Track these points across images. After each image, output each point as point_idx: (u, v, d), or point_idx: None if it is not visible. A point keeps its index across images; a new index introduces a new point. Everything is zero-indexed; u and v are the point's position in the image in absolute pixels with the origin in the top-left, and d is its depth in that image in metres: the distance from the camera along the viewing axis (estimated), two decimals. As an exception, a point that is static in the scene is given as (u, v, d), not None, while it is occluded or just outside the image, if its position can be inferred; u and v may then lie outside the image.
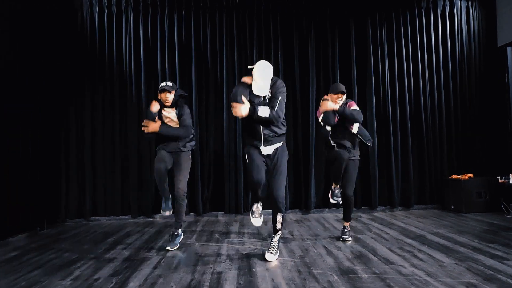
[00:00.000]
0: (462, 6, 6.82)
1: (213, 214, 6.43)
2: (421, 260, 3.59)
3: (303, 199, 6.52)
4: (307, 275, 3.22)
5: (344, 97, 4.28)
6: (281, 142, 3.78)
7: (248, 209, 6.41)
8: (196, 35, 6.48)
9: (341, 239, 4.46)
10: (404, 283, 2.99)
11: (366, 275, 3.18)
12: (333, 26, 6.65)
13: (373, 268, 3.36)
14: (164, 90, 4.18)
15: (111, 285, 3.08)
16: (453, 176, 6.45)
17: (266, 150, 3.73)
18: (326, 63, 6.65)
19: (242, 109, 3.50)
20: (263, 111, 3.50)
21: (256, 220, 3.99)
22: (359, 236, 4.68)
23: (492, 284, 2.92)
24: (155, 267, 3.54)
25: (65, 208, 6.14)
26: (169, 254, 4.02)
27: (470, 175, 6.35)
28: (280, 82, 3.69)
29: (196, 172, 6.22)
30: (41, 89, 5.72)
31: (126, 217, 6.30)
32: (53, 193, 6.05)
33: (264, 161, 3.73)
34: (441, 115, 6.74)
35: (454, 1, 6.81)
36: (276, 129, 3.68)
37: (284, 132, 3.79)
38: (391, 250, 3.96)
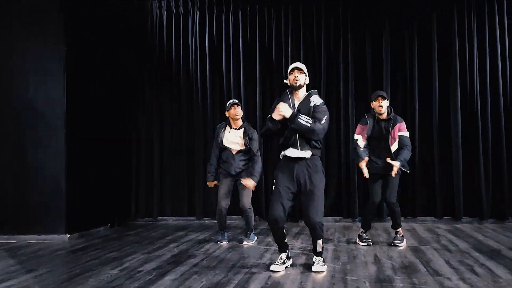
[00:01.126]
0: None
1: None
2: (476, 274, 3.53)
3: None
4: (338, 281, 3.42)
5: (385, 102, 4.62)
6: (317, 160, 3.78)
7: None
8: (261, 32, 6.91)
9: (392, 244, 4.58)
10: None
11: (401, 285, 3.26)
12: (411, 19, 6.57)
13: (413, 279, 3.41)
14: (235, 103, 4.96)
15: (150, 277, 3.63)
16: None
17: (303, 153, 3.70)
18: (402, 60, 6.60)
19: (285, 108, 3.63)
20: (304, 119, 3.60)
21: (275, 266, 3.78)
22: (421, 246, 4.66)
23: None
24: (195, 265, 4.03)
25: (135, 208, 7.04)
26: (215, 253, 4.50)
27: None
28: (323, 105, 3.79)
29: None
30: (115, 94, 6.68)
31: (192, 218, 6.99)
32: (125, 193, 6.98)
33: (291, 188, 3.71)
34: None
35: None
36: (312, 143, 3.72)
37: (319, 152, 3.79)
38: (448, 263, 3.92)
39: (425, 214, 6.46)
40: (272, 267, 3.75)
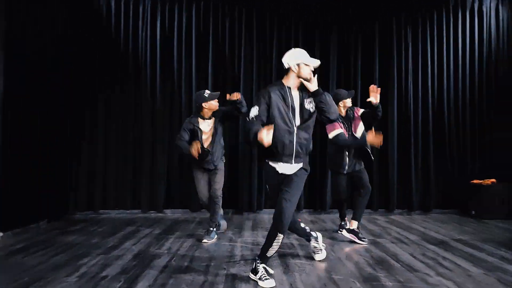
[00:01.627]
0: (492, 4, 6.51)
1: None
2: (447, 268, 3.36)
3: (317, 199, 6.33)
4: (327, 281, 3.02)
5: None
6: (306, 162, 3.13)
7: (260, 207, 6.24)
8: (215, 27, 6.29)
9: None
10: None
11: (390, 283, 2.96)
12: (357, 27, 6.42)
13: (396, 276, 3.13)
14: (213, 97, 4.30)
15: (119, 284, 2.91)
16: (475, 181, 6.17)
17: (291, 168, 3.05)
18: (347, 61, 6.42)
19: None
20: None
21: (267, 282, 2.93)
22: (377, 239, 4.46)
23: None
24: (165, 266, 3.37)
25: (74, 200, 6.02)
26: (180, 251, 3.86)
27: (493, 180, 6.07)
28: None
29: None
30: (54, 82, 5.57)
31: (136, 211, 6.16)
32: (63, 185, 5.91)
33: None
34: (464, 118, 6.47)
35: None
36: (308, 140, 3.08)
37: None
38: (414, 256, 3.73)
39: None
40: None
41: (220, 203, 4.43)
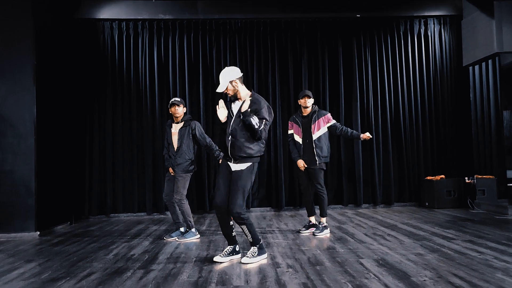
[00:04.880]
0: (435, 29, 7.83)
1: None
2: (388, 240, 4.54)
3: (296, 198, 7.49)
4: (297, 250, 4.16)
5: (310, 100, 5.11)
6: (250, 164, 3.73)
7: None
8: (203, 55, 7.47)
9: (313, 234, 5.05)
10: (370, 253, 3.93)
11: (342, 250, 4.11)
12: (323, 45, 7.65)
13: (348, 246, 4.29)
14: (173, 104, 4.88)
15: (146, 257, 4.01)
16: (428, 177, 7.41)
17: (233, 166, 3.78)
18: (317, 78, 7.64)
19: (221, 113, 3.81)
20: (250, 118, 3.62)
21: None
22: (342, 226, 5.62)
23: (434, 253, 3.86)
24: (176, 247, 4.47)
25: (89, 206, 7.08)
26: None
27: (442, 176, 7.31)
28: (264, 103, 3.77)
29: (204, 176, 7.17)
30: (70, 101, 6.71)
31: (142, 213, 7.23)
32: (80, 192, 6.99)
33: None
34: (417, 124, 7.72)
35: (429, 25, 7.82)
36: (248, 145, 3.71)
37: (255, 153, 3.74)
38: (366, 235, 4.90)
39: (335, 203, 7.54)
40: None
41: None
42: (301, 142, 5.16)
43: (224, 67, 7.40)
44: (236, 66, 7.43)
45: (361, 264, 3.58)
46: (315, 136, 5.07)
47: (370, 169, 7.60)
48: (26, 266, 3.84)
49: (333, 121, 5.21)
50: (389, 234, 4.89)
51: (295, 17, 7.57)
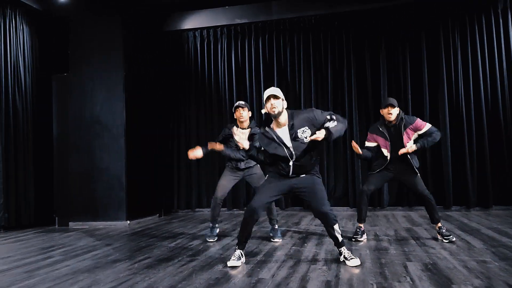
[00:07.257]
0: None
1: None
2: (456, 245, 4.07)
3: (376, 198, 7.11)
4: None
5: (394, 109, 4.34)
6: None
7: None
8: (278, 55, 7.60)
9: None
10: (423, 257, 3.59)
11: (394, 252, 3.84)
12: (404, 35, 7.12)
13: (404, 248, 3.98)
14: (238, 107, 4.58)
15: (200, 247, 4.29)
16: (535, 177, 6.37)
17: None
18: (397, 74, 7.14)
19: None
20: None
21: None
22: (413, 228, 5.20)
23: (501, 262, 3.36)
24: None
25: (177, 200, 7.75)
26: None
27: (554, 175, 6.21)
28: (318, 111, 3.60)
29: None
30: (160, 107, 7.44)
31: (223, 209, 7.63)
32: (169, 188, 7.70)
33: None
34: (520, 115, 6.68)
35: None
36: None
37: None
38: (434, 238, 4.45)
39: (418, 204, 6.94)
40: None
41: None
42: (389, 157, 4.44)
43: (297, 66, 7.53)
44: (310, 65, 7.49)
45: (405, 267, 3.31)
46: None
47: (461, 168, 6.82)
48: (103, 249, 4.43)
49: (425, 128, 4.36)
50: (462, 239, 4.38)
51: (372, 7, 7.20)
